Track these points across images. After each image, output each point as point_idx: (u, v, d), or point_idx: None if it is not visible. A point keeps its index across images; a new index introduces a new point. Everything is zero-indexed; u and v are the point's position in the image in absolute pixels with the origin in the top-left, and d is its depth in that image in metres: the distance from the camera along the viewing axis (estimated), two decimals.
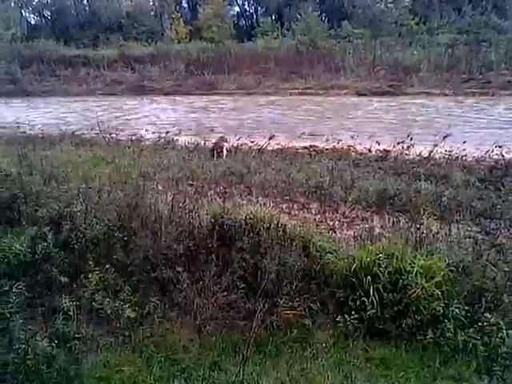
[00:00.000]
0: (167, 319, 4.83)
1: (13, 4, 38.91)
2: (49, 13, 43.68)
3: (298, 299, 4.80)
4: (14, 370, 4.02)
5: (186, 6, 42.62)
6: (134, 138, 12.69)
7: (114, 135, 12.82)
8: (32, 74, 29.22)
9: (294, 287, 4.89)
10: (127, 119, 18.04)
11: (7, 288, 4.90)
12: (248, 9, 42.52)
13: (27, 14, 43.95)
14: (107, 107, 21.23)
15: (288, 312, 4.69)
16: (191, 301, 4.89)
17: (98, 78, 28.58)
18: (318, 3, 32.93)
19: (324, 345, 4.33)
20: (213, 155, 10.61)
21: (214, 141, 11.37)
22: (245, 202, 6.96)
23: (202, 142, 11.76)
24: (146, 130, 14.26)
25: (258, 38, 30.58)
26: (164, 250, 5.32)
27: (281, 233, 5.33)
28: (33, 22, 44.13)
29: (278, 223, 5.40)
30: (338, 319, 4.63)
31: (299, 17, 29.02)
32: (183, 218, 5.79)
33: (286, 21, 32.20)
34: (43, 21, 44.63)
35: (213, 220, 5.63)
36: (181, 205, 5.90)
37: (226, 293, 4.93)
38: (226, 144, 10.87)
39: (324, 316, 4.81)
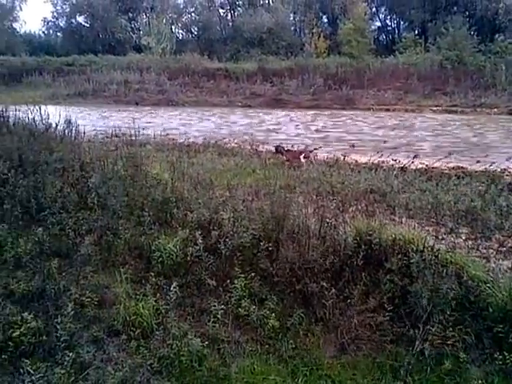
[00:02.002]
0: (311, 333, 4.79)
1: (164, 21, 42.12)
2: (196, 28, 46.93)
3: (451, 329, 4.51)
4: (170, 364, 4.24)
5: (326, 20, 43.17)
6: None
7: (254, 146, 13.20)
8: (178, 86, 31.26)
9: (446, 316, 4.61)
10: (267, 131, 18.48)
11: (163, 286, 5.20)
12: (390, 23, 42.04)
13: (176, 30, 47.58)
14: (247, 118, 21.94)
15: (441, 341, 4.43)
16: (336, 318, 4.83)
17: (238, 90, 29.82)
18: (466, 16, 31.36)
19: (480, 382, 4.01)
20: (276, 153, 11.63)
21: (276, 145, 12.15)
22: (387, 221, 6.73)
23: (342, 157, 11.64)
24: (286, 143, 14.45)
25: (399, 53, 29.94)
26: (310, 264, 5.30)
27: (432, 257, 5.07)
28: (180, 37, 47.55)
29: (431, 247, 5.16)
30: (495, 356, 4.28)
31: (445, 31, 27.87)
32: (328, 234, 5.74)
33: (430, 35, 31.20)
34: (190, 36, 48.04)
35: (358, 238, 5.52)
36: (327, 220, 5.85)
37: (373, 314, 4.79)
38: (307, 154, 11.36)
39: (479, 351, 4.48)
